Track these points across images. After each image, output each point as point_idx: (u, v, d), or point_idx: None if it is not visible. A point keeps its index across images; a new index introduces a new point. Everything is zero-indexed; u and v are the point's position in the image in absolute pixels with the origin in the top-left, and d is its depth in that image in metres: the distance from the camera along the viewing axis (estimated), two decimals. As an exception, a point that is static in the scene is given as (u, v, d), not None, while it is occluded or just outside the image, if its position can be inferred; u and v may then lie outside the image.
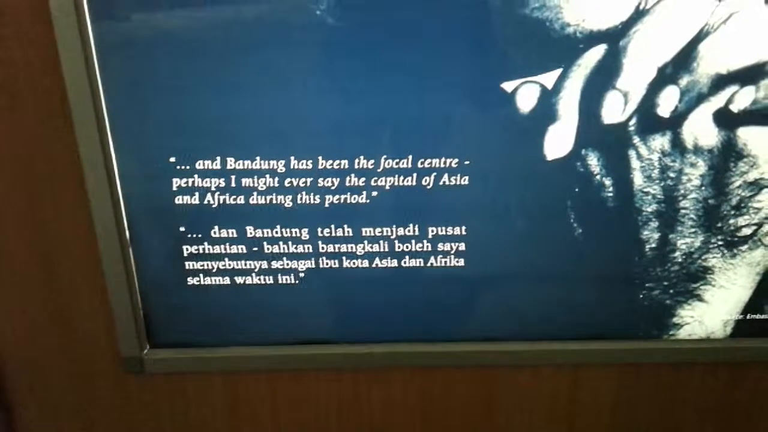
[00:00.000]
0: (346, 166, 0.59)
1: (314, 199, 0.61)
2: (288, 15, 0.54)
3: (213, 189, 0.60)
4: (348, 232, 0.62)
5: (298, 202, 0.61)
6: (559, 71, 0.56)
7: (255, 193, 0.60)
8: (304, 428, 0.74)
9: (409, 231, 0.62)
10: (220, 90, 0.57)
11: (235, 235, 0.62)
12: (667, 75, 0.56)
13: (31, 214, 0.63)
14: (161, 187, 0.60)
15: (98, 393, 0.72)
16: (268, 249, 0.63)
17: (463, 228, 0.63)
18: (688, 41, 0.55)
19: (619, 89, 0.57)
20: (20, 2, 0.55)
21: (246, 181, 0.60)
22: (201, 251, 0.63)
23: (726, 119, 0.58)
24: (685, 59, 0.56)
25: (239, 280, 0.64)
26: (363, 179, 0.60)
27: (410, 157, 0.59)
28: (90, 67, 0.56)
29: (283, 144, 0.59)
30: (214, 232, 0.62)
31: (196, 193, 0.60)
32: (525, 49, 0.56)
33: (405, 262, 0.64)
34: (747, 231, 0.62)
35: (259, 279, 0.64)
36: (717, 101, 0.57)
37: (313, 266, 0.64)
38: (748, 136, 0.59)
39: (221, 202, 0.61)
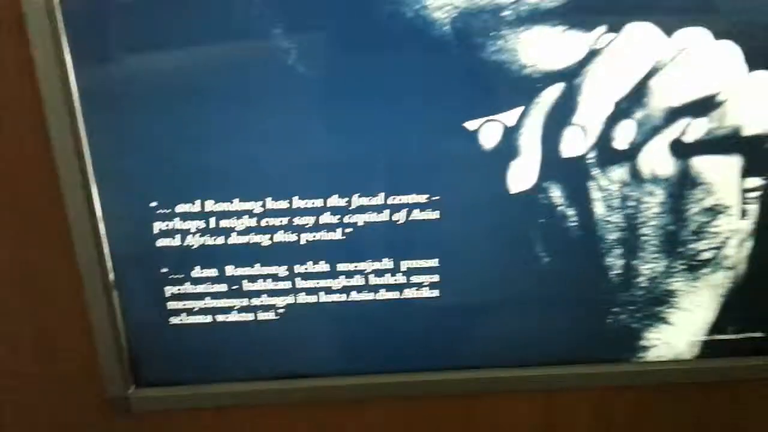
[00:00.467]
0: (321, 205, 0.62)
1: (291, 238, 0.63)
2: (260, 65, 0.57)
3: (193, 231, 0.62)
4: (324, 267, 0.65)
5: (276, 240, 0.63)
6: (519, 109, 0.60)
7: (234, 234, 0.63)
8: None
9: (383, 265, 0.65)
10: (197, 137, 0.59)
11: (215, 275, 0.64)
12: (622, 110, 0.60)
13: (17, 258, 0.65)
14: (143, 230, 0.62)
15: (85, 433, 0.74)
16: (247, 287, 0.65)
17: (436, 260, 0.65)
18: (640, 78, 0.59)
19: (577, 124, 0.60)
20: (4, 54, 0.57)
21: (225, 223, 0.62)
22: (183, 291, 0.65)
23: (680, 150, 0.61)
24: (638, 95, 0.59)
25: (221, 318, 0.66)
26: (337, 217, 0.62)
27: (381, 194, 0.62)
28: (73, 117, 0.58)
29: (260, 186, 0.61)
30: (195, 273, 0.64)
31: (177, 236, 0.63)
32: (486, 89, 0.59)
33: (381, 295, 0.66)
34: (707, 255, 0.65)
35: (240, 316, 0.66)
36: (671, 133, 0.60)
37: (292, 302, 0.66)
38: (702, 165, 0.62)
39: (201, 243, 0.63)
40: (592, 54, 0.58)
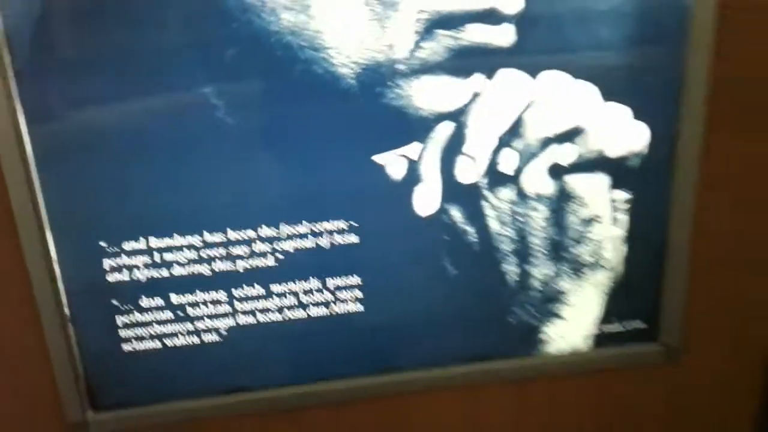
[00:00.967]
0: (253, 235, 0.71)
1: (228, 266, 0.71)
2: (193, 118, 0.66)
3: (140, 265, 0.70)
4: (260, 291, 0.73)
5: (215, 269, 0.71)
6: (419, 144, 0.70)
7: (176, 266, 0.71)
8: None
9: (312, 285, 0.74)
10: (140, 181, 0.67)
11: (162, 304, 0.72)
12: (504, 141, 0.71)
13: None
14: (94, 268, 0.70)
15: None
16: (192, 312, 0.73)
17: (359, 278, 0.75)
18: (516, 114, 0.70)
19: (468, 155, 0.71)
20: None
21: (168, 256, 0.70)
22: (133, 320, 0.72)
23: (557, 171, 0.72)
24: (516, 127, 0.70)
25: (169, 342, 0.74)
26: (268, 245, 0.71)
27: (306, 223, 0.71)
28: (27, 169, 0.65)
29: (197, 221, 0.69)
30: (144, 303, 0.72)
31: (126, 270, 0.70)
32: (389, 128, 0.69)
33: (312, 312, 0.75)
34: (588, 258, 0.77)
35: (186, 340, 0.74)
36: (548, 158, 0.72)
37: (233, 323, 0.74)
38: (576, 183, 0.73)
39: (148, 276, 0.71)
40: (475, 96, 0.69)
